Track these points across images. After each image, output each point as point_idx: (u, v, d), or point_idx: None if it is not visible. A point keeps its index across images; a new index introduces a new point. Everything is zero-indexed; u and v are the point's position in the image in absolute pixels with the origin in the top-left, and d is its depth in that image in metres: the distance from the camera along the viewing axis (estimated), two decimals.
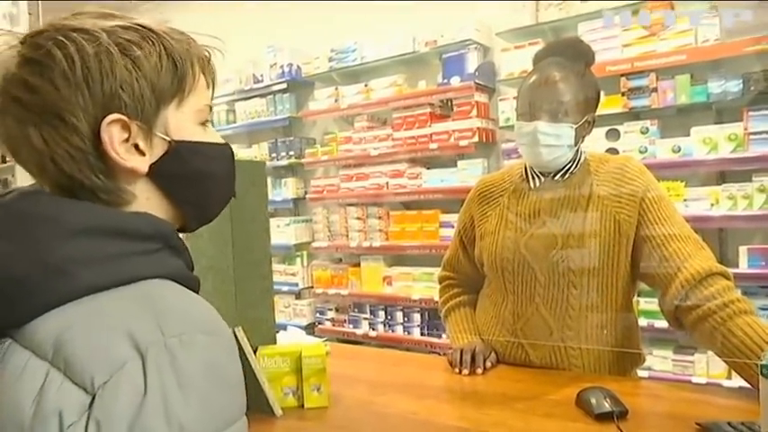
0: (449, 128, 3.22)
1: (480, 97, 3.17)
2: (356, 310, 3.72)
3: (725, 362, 1.15)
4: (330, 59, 3.70)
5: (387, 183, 3.48)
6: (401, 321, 3.51)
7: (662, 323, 2.44)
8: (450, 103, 3.31)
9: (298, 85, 3.94)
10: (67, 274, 0.50)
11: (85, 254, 0.52)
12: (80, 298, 0.50)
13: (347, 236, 3.69)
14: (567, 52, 1.39)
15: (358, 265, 3.71)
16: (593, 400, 1.06)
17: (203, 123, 0.63)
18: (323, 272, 3.86)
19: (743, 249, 2.43)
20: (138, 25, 0.58)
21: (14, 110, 0.55)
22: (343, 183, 3.68)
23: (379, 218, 3.57)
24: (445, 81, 3.22)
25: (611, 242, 1.32)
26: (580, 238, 1.33)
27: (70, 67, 0.53)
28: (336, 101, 3.68)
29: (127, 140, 0.56)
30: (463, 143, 3.14)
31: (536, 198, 1.41)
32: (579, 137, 1.36)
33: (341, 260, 3.91)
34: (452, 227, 3.23)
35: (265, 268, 1.29)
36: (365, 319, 3.66)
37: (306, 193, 3.98)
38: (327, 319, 3.86)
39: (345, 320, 3.76)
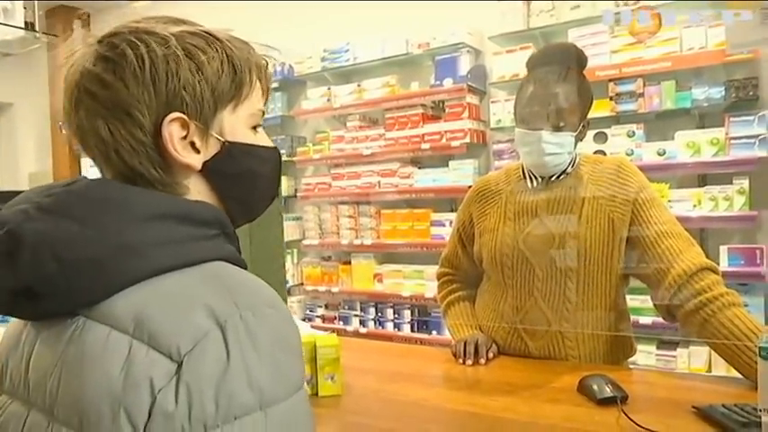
0: (441, 128, 3.28)
1: (472, 99, 3.24)
2: (347, 307, 3.77)
3: (715, 351, 1.23)
4: (323, 59, 3.74)
5: (378, 182, 3.54)
6: (391, 318, 3.57)
7: (646, 319, 2.54)
8: (442, 105, 3.38)
9: (290, 84, 3.97)
10: (142, 254, 0.54)
11: (157, 236, 0.56)
12: (152, 277, 0.54)
13: (338, 234, 3.74)
14: (562, 57, 1.44)
15: (348, 262, 3.76)
16: (595, 387, 1.13)
17: (255, 127, 0.67)
18: (313, 269, 3.90)
19: (723, 249, 2.54)
20: (204, 32, 0.62)
21: (87, 102, 0.59)
22: (334, 181, 3.72)
23: (371, 216, 3.62)
24: (438, 83, 3.28)
25: (605, 239, 1.39)
26: (576, 235, 1.40)
27: (140, 67, 0.58)
28: (329, 100, 3.72)
29: (185, 138, 0.61)
30: (455, 144, 3.21)
31: (534, 198, 1.47)
32: (577, 141, 1.44)
33: (330, 258, 3.95)
34: (443, 225, 3.32)
35: (279, 261, 1.34)
36: (355, 315, 3.71)
37: (296, 191, 4.02)
38: (317, 316, 3.90)
39: (336, 317, 3.80)
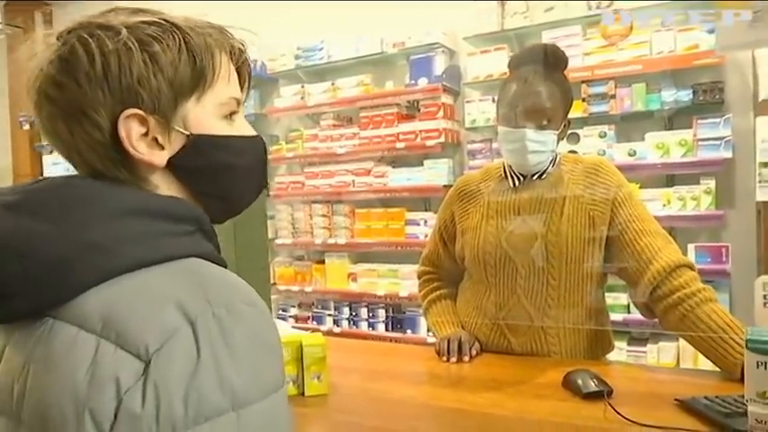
0: (415, 128, 3.29)
1: (446, 99, 3.26)
2: (320, 306, 3.74)
3: (693, 345, 1.27)
4: (296, 57, 3.71)
5: (353, 180, 3.52)
6: (366, 317, 3.56)
7: (617, 316, 2.60)
8: (416, 104, 3.39)
9: (262, 82, 3.92)
10: (111, 251, 0.52)
11: (129, 232, 0.54)
12: (123, 274, 0.52)
13: (312, 233, 3.71)
14: (545, 58, 1.47)
15: (322, 262, 3.73)
16: (580, 381, 1.15)
17: (229, 116, 0.64)
18: (286, 269, 3.86)
19: (691, 247, 2.62)
20: (163, 20, 0.59)
21: (47, 106, 0.58)
22: (308, 180, 3.70)
23: (345, 215, 3.61)
24: (412, 82, 3.29)
25: (585, 237, 1.42)
26: (557, 233, 1.42)
27: (91, 64, 0.55)
28: (302, 98, 3.68)
29: (146, 134, 0.58)
30: (430, 143, 3.22)
31: (516, 197, 1.49)
32: (559, 140, 1.46)
33: (303, 257, 3.92)
34: (418, 224, 3.33)
35: (263, 260, 1.33)
36: (329, 315, 3.69)
37: (269, 189, 3.97)
38: (291, 316, 3.86)
39: (309, 317, 3.78)
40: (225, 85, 0.62)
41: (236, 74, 0.65)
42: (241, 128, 0.65)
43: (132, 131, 0.57)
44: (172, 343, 0.47)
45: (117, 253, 0.52)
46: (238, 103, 0.64)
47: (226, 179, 0.65)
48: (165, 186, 0.61)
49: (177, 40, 0.58)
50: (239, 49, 0.65)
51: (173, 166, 0.60)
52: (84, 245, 0.51)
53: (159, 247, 0.55)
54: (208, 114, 0.61)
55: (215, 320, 0.50)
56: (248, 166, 0.67)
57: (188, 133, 0.60)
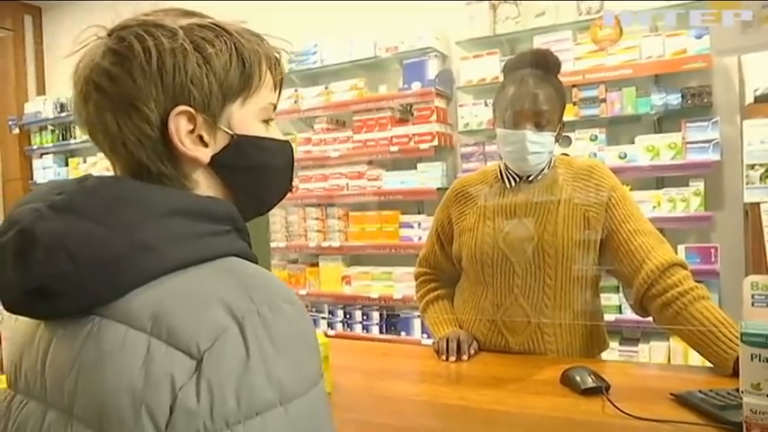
0: (409, 131, 3.31)
1: (440, 103, 3.29)
2: (314, 309, 3.75)
3: (686, 341, 1.30)
4: (290, 61, 3.72)
5: (347, 184, 3.54)
6: (360, 320, 3.58)
7: (609, 317, 2.63)
8: (410, 108, 3.41)
9: None
10: (156, 251, 0.54)
11: (171, 233, 0.56)
12: (168, 274, 0.54)
13: (305, 236, 3.72)
14: (541, 61, 1.50)
15: (316, 265, 3.75)
16: (578, 378, 1.18)
17: (267, 121, 0.68)
18: (280, 272, 3.86)
19: (681, 248, 2.66)
20: (214, 24, 0.63)
21: (96, 96, 0.59)
22: (301, 183, 3.71)
23: (339, 218, 3.62)
24: (406, 86, 3.32)
25: (581, 238, 1.45)
26: (553, 233, 1.45)
27: (147, 60, 0.58)
28: (296, 102, 3.70)
29: (192, 131, 0.61)
30: (423, 146, 3.25)
31: (512, 198, 1.52)
32: (556, 141, 1.50)
33: (297, 260, 3.93)
34: (412, 227, 3.35)
35: (266, 261, 1.34)
36: (323, 318, 3.70)
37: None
38: None
39: None
40: (267, 92, 0.67)
41: (271, 80, 0.68)
42: (275, 132, 0.69)
43: (181, 127, 0.60)
44: (222, 341, 0.50)
45: (162, 253, 0.54)
46: (274, 108, 0.69)
47: (262, 179, 0.69)
48: (205, 183, 0.64)
49: (229, 45, 0.62)
50: (276, 58, 0.68)
51: (214, 163, 0.63)
52: (132, 245, 0.53)
53: (201, 248, 0.57)
54: (250, 117, 0.65)
55: (260, 319, 0.52)
56: (281, 167, 0.71)
57: (232, 133, 0.63)
